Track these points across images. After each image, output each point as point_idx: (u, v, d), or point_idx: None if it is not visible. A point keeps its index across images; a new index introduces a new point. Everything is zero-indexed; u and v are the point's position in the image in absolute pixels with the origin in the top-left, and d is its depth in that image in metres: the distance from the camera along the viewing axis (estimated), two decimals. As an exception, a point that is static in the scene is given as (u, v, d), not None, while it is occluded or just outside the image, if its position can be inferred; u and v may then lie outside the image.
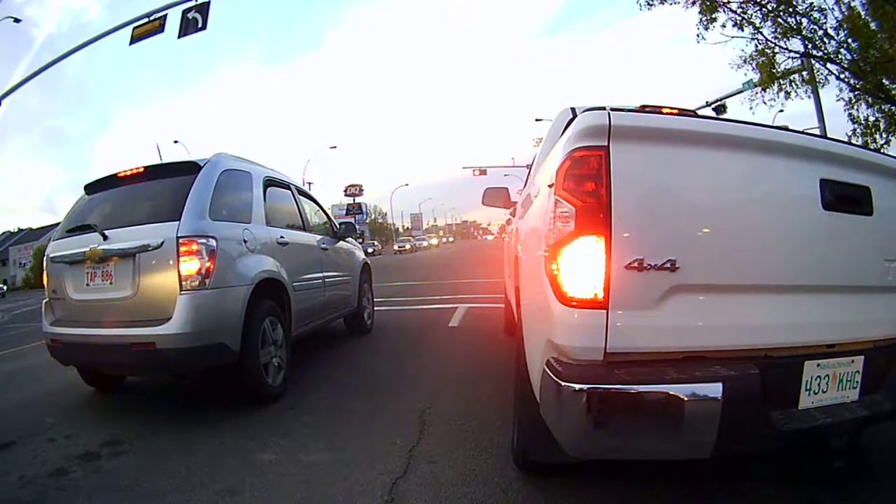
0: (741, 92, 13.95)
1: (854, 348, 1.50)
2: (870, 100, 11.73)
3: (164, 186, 3.18)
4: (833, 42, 11.01)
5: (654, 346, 1.37)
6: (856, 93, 11.75)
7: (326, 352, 4.57)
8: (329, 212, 5.24)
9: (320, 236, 4.48)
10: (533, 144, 24.42)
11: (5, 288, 34.56)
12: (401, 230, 77.72)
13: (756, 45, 11.86)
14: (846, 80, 11.57)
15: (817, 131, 11.85)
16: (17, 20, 14.25)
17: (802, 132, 1.75)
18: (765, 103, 12.86)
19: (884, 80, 11.05)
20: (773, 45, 11.63)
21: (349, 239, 5.18)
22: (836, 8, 10.92)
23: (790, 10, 10.83)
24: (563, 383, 1.33)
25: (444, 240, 74.97)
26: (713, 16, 11.48)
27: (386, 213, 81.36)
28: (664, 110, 1.72)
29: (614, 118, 1.36)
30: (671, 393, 1.27)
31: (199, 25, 11.33)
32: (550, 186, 1.49)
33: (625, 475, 1.87)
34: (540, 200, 1.72)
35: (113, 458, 2.44)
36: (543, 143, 3.04)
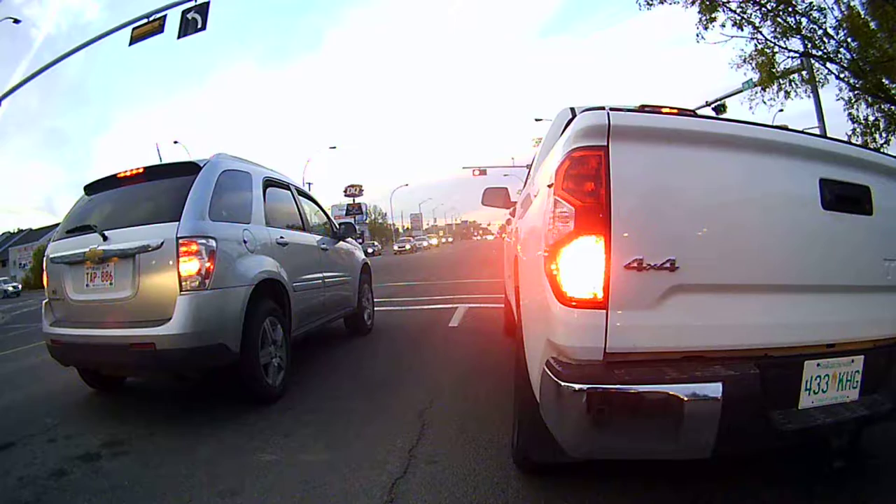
0: (741, 91, 13.94)
1: (854, 348, 1.49)
2: (869, 99, 11.76)
3: (163, 187, 3.18)
4: (833, 41, 11.05)
5: (653, 345, 1.37)
6: (855, 92, 11.77)
7: (326, 352, 4.57)
8: (329, 212, 5.24)
9: (320, 236, 4.49)
10: (532, 144, 24.40)
11: (20, 286, 34.36)
12: (401, 230, 77.73)
13: (756, 45, 11.91)
14: (846, 79, 11.60)
15: (817, 131, 11.85)
16: (16, 21, 14.23)
17: (802, 132, 1.74)
18: (764, 103, 12.91)
19: (883, 80, 11.08)
20: (772, 44, 11.67)
21: (349, 239, 5.18)
22: (835, 7, 10.97)
23: (790, 9, 10.86)
24: (562, 383, 1.33)
25: (444, 240, 74.97)
26: (713, 15, 11.52)
27: (386, 214, 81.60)
28: (664, 110, 1.72)
29: (613, 118, 1.35)
30: (671, 393, 1.26)
31: (199, 26, 11.31)
32: (550, 186, 1.48)
33: (624, 475, 1.86)
34: (539, 200, 1.72)
35: (113, 459, 2.44)
36: (543, 142, 3.04)
